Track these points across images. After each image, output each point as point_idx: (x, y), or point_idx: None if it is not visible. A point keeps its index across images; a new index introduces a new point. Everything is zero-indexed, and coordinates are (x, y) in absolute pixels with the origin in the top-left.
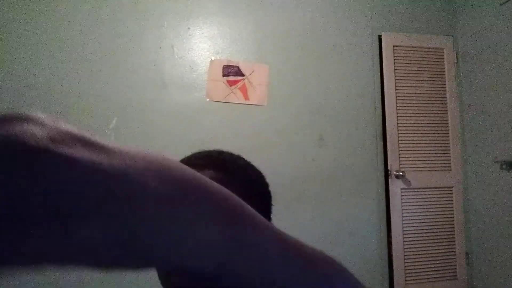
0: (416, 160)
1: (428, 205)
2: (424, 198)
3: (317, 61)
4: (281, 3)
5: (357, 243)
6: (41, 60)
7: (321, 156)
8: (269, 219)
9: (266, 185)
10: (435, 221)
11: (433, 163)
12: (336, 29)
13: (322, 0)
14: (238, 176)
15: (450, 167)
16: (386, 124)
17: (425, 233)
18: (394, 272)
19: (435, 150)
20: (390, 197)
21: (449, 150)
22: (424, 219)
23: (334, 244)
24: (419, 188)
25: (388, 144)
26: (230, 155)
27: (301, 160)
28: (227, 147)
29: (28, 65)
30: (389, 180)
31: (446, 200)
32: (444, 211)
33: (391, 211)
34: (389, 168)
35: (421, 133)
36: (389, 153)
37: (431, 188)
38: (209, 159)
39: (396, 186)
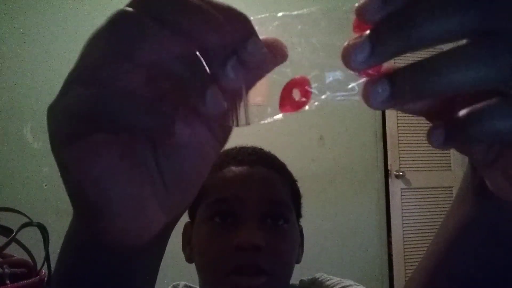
0: (416, 160)
1: (428, 205)
2: (424, 198)
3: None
4: (281, 3)
5: (357, 243)
6: (40, 60)
7: (321, 156)
8: (299, 220)
9: (298, 187)
10: (435, 221)
11: (433, 163)
12: (337, 29)
13: (324, 0)
14: (285, 174)
15: (450, 167)
16: (386, 124)
17: (425, 233)
18: (394, 272)
19: (435, 150)
20: (390, 197)
21: (449, 150)
22: (424, 219)
23: (334, 244)
24: (419, 188)
25: (388, 144)
26: (269, 153)
27: (301, 160)
28: (226, 146)
29: (28, 64)
30: (389, 180)
31: (446, 200)
32: (444, 211)
33: (391, 211)
34: (389, 168)
35: (421, 133)
36: (389, 153)
37: (431, 188)
38: (257, 155)
39: (396, 186)
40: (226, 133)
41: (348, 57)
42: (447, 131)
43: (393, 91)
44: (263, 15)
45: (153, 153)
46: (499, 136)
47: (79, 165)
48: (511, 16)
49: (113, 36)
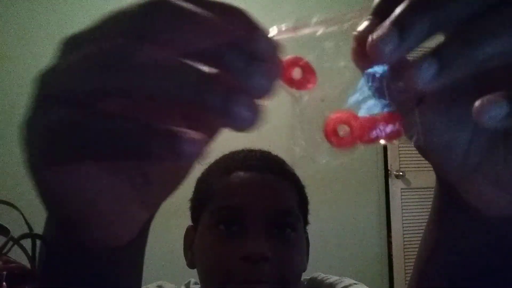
0: (416, 160)
1: (428, 205)
2: (424, 198)
3: (317, 60)
4: (282, 4)
5: (357, 243)
6: (40, 60)
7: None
8: (306, 227)
9: (306, 194)
10: None
11: None
12: (337, 29)
13: (326, 2)
14: (293, 181)
15: None
16: None
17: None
18: (394, 272)
19: None
20: (390, 197)
21: None
22: (424, 219)
23: (334, 244)
24: (419, 188)
25: (388, 144)
26: (278, 157)
27: (301, 160)
28: (225, 147)
29: (28, 64)
30: (389, 180)
31: None
32: None
33: (391, 211)
34: (389, 168)
35: None
36: (389, 153)
37: (431, 188)
38: (266, 160)
39: (396, 186)
40: (217, 131)
41: (374, 50)
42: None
43: (441, 64)
44: (283, 36)
45: None
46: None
47: (60, 181)
48: None
49: (108, 59)
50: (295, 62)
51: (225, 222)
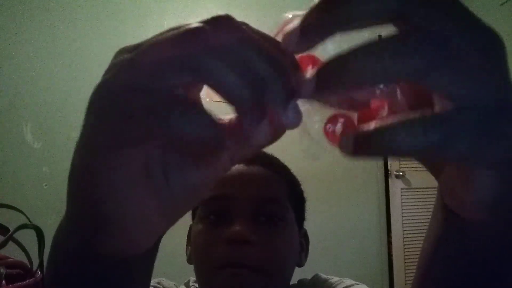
0: (416, 160)
1: (428, 205)
2: (424, 198)
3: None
4: (282, 4)
5: (357, 243)
6: (40, 60)
7: (321, 156)
8: (303, 224)
9: (302, 191)
10: None
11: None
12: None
13: None
14: (284, 175)
15: None
16: None
17: (425, 233)
18: (394, 272)
19: None
20: (390, 197)
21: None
22: (424, 219)
23: (334, 244)
24: (419, 188)
25: None
26: (271, 154)
27: (301, 160)
28: None
29: (28, 64)
30: (389, 180)
31: None
32: None
33: (391, 211)
34: (389, 168)
35: None
36: None
37: (431, 188)
38: (255, 154)
39: (396, 186)
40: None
41: (283, 41)
42: (356, 142)
43: (317, 81)
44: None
45: (163, 165)
46: (404, 153)
47: (106, 173)
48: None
49: (181, 49)
50: (309, 61)
51: (214, 212)
